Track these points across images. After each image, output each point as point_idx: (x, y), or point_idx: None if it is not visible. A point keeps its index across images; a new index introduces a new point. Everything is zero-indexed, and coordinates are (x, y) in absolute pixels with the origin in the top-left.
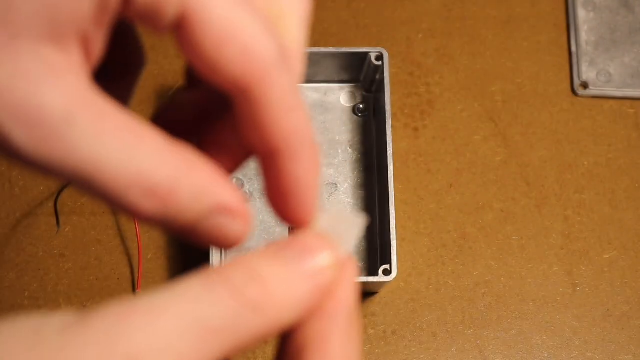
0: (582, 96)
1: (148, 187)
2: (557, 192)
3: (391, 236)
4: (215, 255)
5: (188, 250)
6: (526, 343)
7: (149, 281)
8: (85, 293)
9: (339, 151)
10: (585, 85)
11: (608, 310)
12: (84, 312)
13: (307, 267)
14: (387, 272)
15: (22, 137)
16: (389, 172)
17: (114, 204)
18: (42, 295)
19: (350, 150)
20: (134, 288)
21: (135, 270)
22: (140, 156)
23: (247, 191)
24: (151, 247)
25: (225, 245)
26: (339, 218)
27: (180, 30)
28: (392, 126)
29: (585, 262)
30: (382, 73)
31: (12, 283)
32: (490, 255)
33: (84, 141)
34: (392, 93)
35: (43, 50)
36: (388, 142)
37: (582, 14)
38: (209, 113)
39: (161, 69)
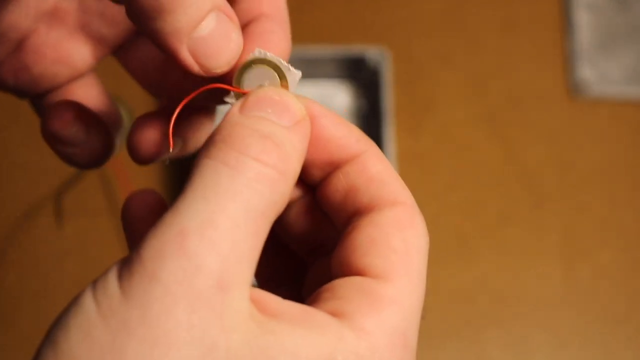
0: (581, 97)
1: None
2: (556, 192)
3: None
4: None
5: None
6: (526, 343)
7: None
8: None
9: None
10: (584, 86)
11: (607, 309)
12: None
13: (295, 120)
14: None
15: None
16: None
17: None
18: (43, 295)
19: None
20: None
21: None
22: None
23: None
24: None
25: None
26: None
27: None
28: (392, 126)
29: (584, 262)
30: (382, 73)
31: (12, 283)
32: (490, 255)
33: None
34: (392, 93)
35: None
36: (388, 142)
37: (580, 15)
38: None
39: None
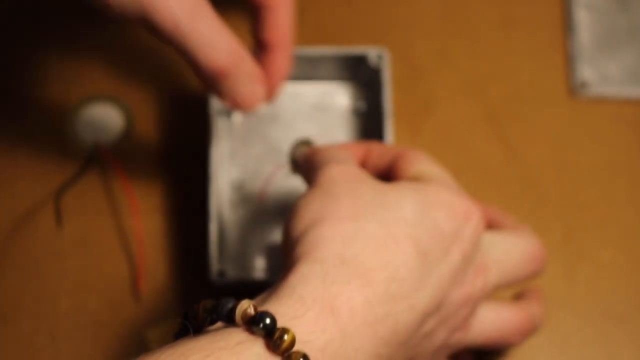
0: (581, 97)
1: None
2: (556, 193)
3: None
4: (214, 259)
5: (189, 250)
6: (526, 343)
7: (150, 280)
8: (86, 292)
9: None
10: (583, 86)
11: (606, 309)
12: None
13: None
14: None
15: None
16: None
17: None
18: (43, 295)
19: None
20: (135, 288)
21: (136, 270)
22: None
23: (247, 192)
24: (151, 247)
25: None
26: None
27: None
28: (392, 126)
29: (583, 262)
30: (382, 73)
31: (12, 283)
32: None
33: None
34: (392, 93)
35: None
36: (388, 142)
37: (580, 14)
38: None
39: (164, 72)
